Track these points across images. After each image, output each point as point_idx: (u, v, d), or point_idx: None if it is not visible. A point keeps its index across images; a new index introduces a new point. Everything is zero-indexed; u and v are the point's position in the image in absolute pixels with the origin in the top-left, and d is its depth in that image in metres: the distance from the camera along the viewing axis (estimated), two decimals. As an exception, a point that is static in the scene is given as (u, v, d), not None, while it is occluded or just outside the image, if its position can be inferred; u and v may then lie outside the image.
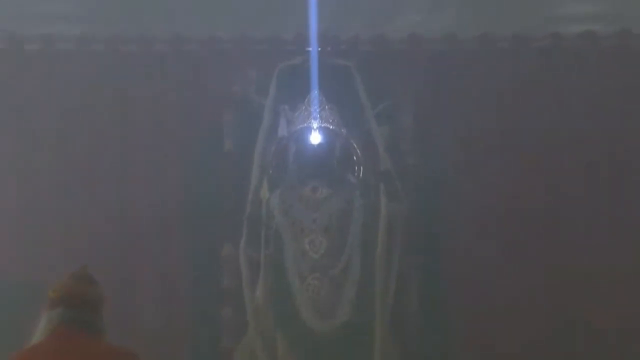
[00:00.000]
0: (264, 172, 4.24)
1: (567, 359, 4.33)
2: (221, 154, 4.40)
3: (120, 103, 4.44)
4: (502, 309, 4.30)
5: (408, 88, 4.43)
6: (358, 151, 4.26)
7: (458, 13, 4.51)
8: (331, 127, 4.22)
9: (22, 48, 4.49)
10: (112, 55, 4.47)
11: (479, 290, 4.30)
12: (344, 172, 4.24)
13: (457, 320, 4.30)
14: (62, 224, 4.36)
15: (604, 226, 4.40)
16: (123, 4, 4.42)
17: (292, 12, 4.35)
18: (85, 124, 4.42)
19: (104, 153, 4.44)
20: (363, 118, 4.30)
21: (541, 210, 4.39)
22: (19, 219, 4.38)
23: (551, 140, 4.42)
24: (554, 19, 4.58)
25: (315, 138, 4.21)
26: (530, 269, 4.34)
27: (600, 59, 4.46)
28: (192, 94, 4.45)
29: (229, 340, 4.24)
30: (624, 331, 4.30)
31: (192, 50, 4.50)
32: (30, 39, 4.48)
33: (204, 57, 4.49)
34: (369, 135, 4.28)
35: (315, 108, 4.20)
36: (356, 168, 4.26)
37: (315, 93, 4.22)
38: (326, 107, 4.22)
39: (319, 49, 4.30)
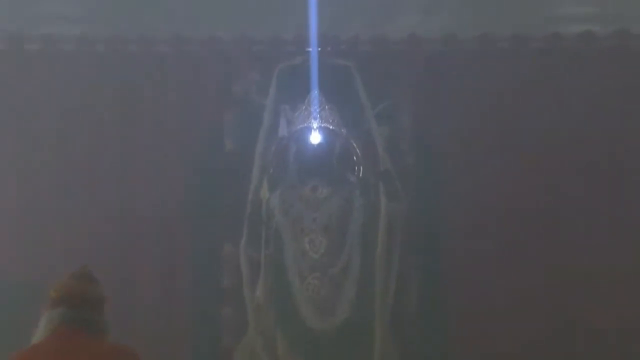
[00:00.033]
0: (264, 172, 4.26)
1: (567, 359, 4.31)
2: (221, 153, 4.40)
3: (121, 103, 4.45)
4: (502, 308, 4.29)
5: (408, 88, 4.43)
6: (358, 151, 4.28)
7: (457, 14, 4.51)
8: (331, 127, 4.24)
9: (23, 48, 4.49)
10: (113, 56, 4.48)
11: (478, 290, 4.29)
12: (344, 172, 4.26)
13: (456, 319, 4.29)
14: (62, 223, 4.36)
15: (604, 226, 4.39)
16: (123, 4, 4.43)
17: (292, 12, 4.36)
18: (85, 124, 4.43)
19: (105, 153, 4.44)
20: (363, 118, 4.32)
21: (540, 210, 4.39)
22: (19, 219, 4.38)
23: (550, 140, 4.41)
24: (553, 19, 4.58)
25: (315, 138, 4.24)
26: (529, 269, 4.33)
27: (599, 59, 4.46)
28: (192, 94, 4.46)
29: (230, 339, 4.24)
30: (624, 331, 4.29)
31: (193, 51, 4.50)
32: (30, 39, 4.48)
33: (204, 57, 4.50)
34: (368, 135, 4.30)
35: (315, 108, 4.22)
36: (356, 168, 4.28)
37: (315, 93, 4.24)
38: (326, 107, 4.24)
39: (319, 49, 4.32)
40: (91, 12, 4.48)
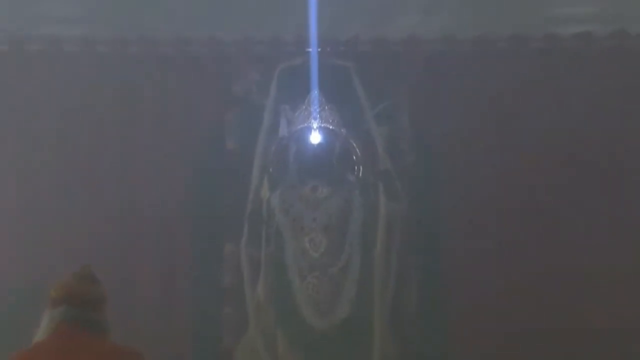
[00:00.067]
0: (264, 172, 4.28)
1: (567, 359, 4.31)
2: (222, 153, 4.41)
3: (122, 103, 4.46)
4: (502, 308, 4.28)
5: (407, 88, 4.45)
6: (357, 151, 4.30)
7: (457, 14, 4.53)
8: (331, 127, 4.26)
9: (24, 49, 4.52)
10: (113, 56, 4.50)
11: (478, 290, 4.29)
12: (344, 172, 4.28)
13: (456, 319, 4.29)
14: (62, 223, 4.36)
15: (604, 226, 4.40)
16: (124, 5, 4.45)
17: (293, 13, 4.37)
18: (87, 125, 4.44)
19: (105, 153, 4.45)
20: (362, 118, 4.34)
21: (540, 209, 4.39)
22: (19, 218, 4.38)
23: (550, 139, 4.42)
24: (552, 19, 4.60)
25: (315, 138, 4.26)
26: (529, 269, 4.33)
27: (597, 59, 4.48)
28: (193, 94, 4.47)
29: (230, 338, 4.25)
30: (624, 331, 4.28)
31: (193, 51, 4.52)
32: (31, 40, 4.51)
33: (205, 58, 4.52)
34: (368, 135, 4.32)
35: (315, 108, 4.24)
36: (356, 167, 4.30)
37: (315, 93, 4.27)
38: (326, 107, 4.27)
39: (319, 50, 4.34)
40: (92, 12, 4.50)
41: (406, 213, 4.27)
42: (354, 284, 4.06)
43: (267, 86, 4.36)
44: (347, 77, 4.35)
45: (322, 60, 4.32)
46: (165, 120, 4.47)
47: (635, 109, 4.46)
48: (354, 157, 4.29)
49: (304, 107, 4.27)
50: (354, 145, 4.28)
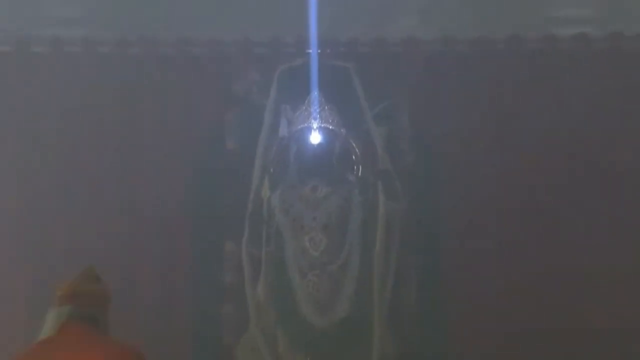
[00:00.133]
0: (265, 171, 4.29)
1: (567, 359, 4.31)
2: (222, 153, 4.42)
3: (123, 104, 4.47)
4: (501, 308, 4.28)
5: (407, 88, 4.46)
6: (357, 150, 4.31)
7: (456, 15, 4.56)
8: (331, 127, 4.28)
9: (25, 50, 4.53)
10: (115, 57, 4.51)
11: (477, 289, 4.29)
12: (344, 171, 4.29)
13: (455, 318, 4.28)
14: (63, 223, 4.36)
15: (604, 226, 4.40)
16: (125, 6, 4.48)
17: (292, 15, 4.40)
18: (87, 125, 4.44)
19: (106, 153, 4.45)
20: (362, 118, 4.35)
21: (540, 209, 4.40)
22: (19, 219, 4.39)
23: (549, 139, 4.44)
24: (549, 21, 4.64)
25: (315, 138, 4.28)
26: (529, 269, 4.33)
27: (594, 60, 4.51)
28: (193, 95, 4.48)
29: (231, 336, 4.24)
30: (624, 331, 4.28)
31: (194, 52, 4.54)
32: (32, 41, 4.52)
33: (205, 58, 4.53)
34: (367, 135, 4.34)
35: (315, 108, 4.26)
36: (355, 167, 4.31)
37: (315, 94, 4.28)
38: (326, 107, 4.28)
39: (319, 51, 4.36)
40: (92, 13, 4.53)
41: (406, 213, 4.27)
42: (353, 282, 4.07)
43: (267, 86, 4.37)
44: (347, 77, 4.36)
45: (322, 61, 4.34)
46: (165, 120, 4.47)
47: (632, 109, 4.48)
48: (354, 157, 4.30)
49: (304, 107, 4.28)
50: (354, 145, 4.30)
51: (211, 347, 4.25)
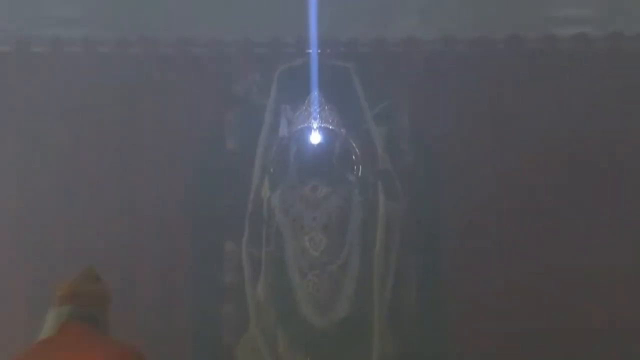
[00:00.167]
0: (265, 171, 4.30)
1: (567, 359, 4.31)
2: (223, 153, 4.42)
3: (123, 104, 4.47)
4: (501, 308, 4.28)
5: (407, 89, 4.46)
6: (357, 150, 4.32)
7: (456, 15, 4.56)
8: (331, 127, 4.28)
9: (25, 50, 4.54)
10: (115, 57, 4.51)
11: (477, 289, 4.29)
12: (343, 171, 4.30)
13: (455, 318, 4.29)
14: (63, 223, 4.37)
15: (604, 226, 4.40)
16: (125, 6, 4.48)
17: (293, 15, 4.40)
18: (87, 125, 4.45)
19: (106, 153, 4.46)
20: (362, 118, 4.36)
21: (540, 209, 4.40)
22: (19, 218, 4.39)
23: (549, 140, 4.44)
24: (549, 21, 4.65)
25: (315, 138, 4.28)
26: (529, 269, 4.33)
27: (594, 60, 4.52)
28: (193, 94, 4.49)
29: (231, 336, 4.25)
30: (624, 331, 4.28)
31: (194, 52, 4.54)
32: (33, 41, 4.52)
33: (205, 58, 4.54)
34: (367, 135, 4.34)
35: (315, 108, 4.27)
36: (355, 167, 4.32)
37: (315, 94, 4.29)
38: (326, 107, 4.29)
39: (319, 51, 4.36)
40: (92, 13, 4.54)
41: (406, 213, 4.28)
42: (353, 282, 4.08)
43: (267, 86, 4.38)
44: (347, 77, 4.37)
45: (322, 61, 4.35)
46: (165, 120, 4.48)
47: (632, 109, 4.49)
48: (354, 157, 4.31)
49: (304, 107, 4.29)
50: (354, 145, 4.30)
51: (211, 347, 4.25)
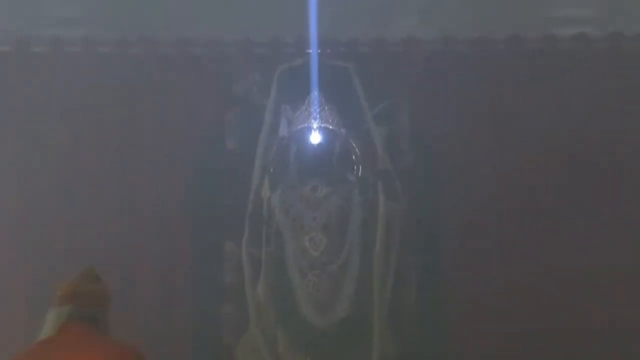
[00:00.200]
0: (265, 171, 4.30)
1: (567, 359, 4.31)
2: (223, 153, 4.42)
3: (123, 104, 4.47)
4: (501, 308, 4.29)
5: (407, 89, 4.47)
6: (357, 150, 4.32)
7: (455, 15, 4.57)
8: (331, 127, 4.29)
9: (25, 50, 4.54)
10: (115, 57, 4.52)
11: (477, 289, 4.30)
12: (343, 171, 4.30)
13: (455, 318, 4.29)
14: (63, 223, 4.37)
15: (604, 226, 4.40)
16: (125, 6, 4.48)
17: (293, 15, 4.41)
18: (87, 125, 4.45)
19: (106, 153, 4.46)
20: (362, 118, 4.36)
21: (540, 209, 4.40)
22: (19, 218, 4.39)
23: (549, 140, 4.45)
24: (549, 21, 4.65)
25: (315, 138, 4.29)
26: (529, 269, 4.33)
27: (594, 60, 4.52)
28: (193, 94, 4.49)
29: (231, 336, 4.25)
30: (624, 331, 4.28)
31: (194, 52, 4.54)
32: (33, 41, 4.52)
33: (205, 58, 4.54)
34: (367, 135, 4.35)
35: (315, 108, 4.27)
36: (355, 167, 4.32)
37: (315, 94, 4.29)
38: (326, 107, 4.29)
39: (319, 51, 4.37)
40: (92, 13, 4.54)
41: (406, 213, 4.28)
42: (353, 282, 4.08)
43: (267, 86, 4.38)
44: (347, 77, 4.37)
45: (322, 61, 4.35)
46: (165, 120, 4.48)
47: (632, 109, 4.49)
48: (354, 157, 4.31)
49: (304, 107, 4.29)
50: (354, 145, 4.31)
51: (211, 347, 4.26)
